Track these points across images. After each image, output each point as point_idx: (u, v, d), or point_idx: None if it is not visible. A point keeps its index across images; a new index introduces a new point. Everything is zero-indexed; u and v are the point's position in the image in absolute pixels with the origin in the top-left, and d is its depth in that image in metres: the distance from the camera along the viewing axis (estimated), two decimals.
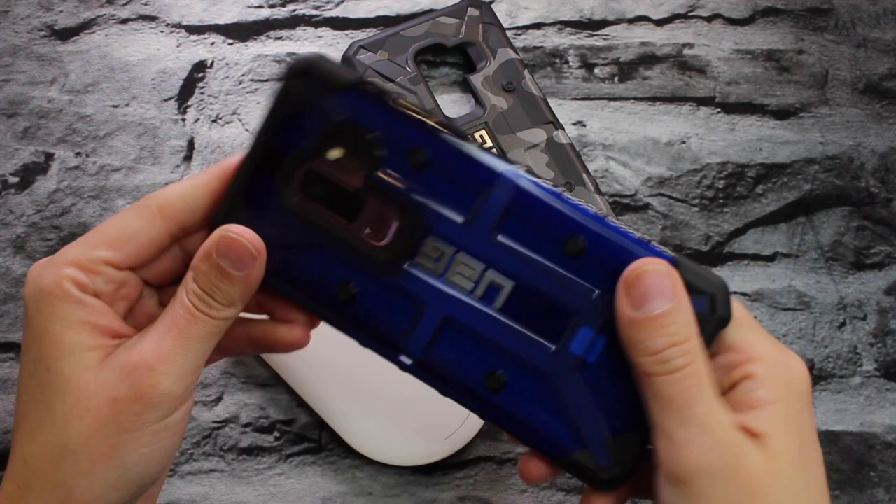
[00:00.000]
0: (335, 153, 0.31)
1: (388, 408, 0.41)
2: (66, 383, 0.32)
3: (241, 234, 0.32)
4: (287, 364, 0.43)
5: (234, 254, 0.32)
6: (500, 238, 0.31)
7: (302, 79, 0.31)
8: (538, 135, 0.48)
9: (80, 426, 0.32)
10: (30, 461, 0.33)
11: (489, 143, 0.47)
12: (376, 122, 0.31)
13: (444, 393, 0.32)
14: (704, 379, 0.30)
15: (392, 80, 0.48)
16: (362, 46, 0.49)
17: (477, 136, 0.47)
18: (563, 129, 0.48)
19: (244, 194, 0.32)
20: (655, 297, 0.30)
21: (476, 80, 0.49)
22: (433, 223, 0.31)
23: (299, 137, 0.31)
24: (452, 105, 0.50)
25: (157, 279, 0.34)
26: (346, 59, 0.49)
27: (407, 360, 0.32)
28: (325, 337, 0.43)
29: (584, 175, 0.47)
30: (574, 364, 0.31)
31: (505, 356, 0.31)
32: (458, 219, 0.31)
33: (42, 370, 0.33)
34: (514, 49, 0.50)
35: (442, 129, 0.31)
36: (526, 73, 0.49)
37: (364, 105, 0.31)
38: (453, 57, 0.51)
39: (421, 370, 0.32)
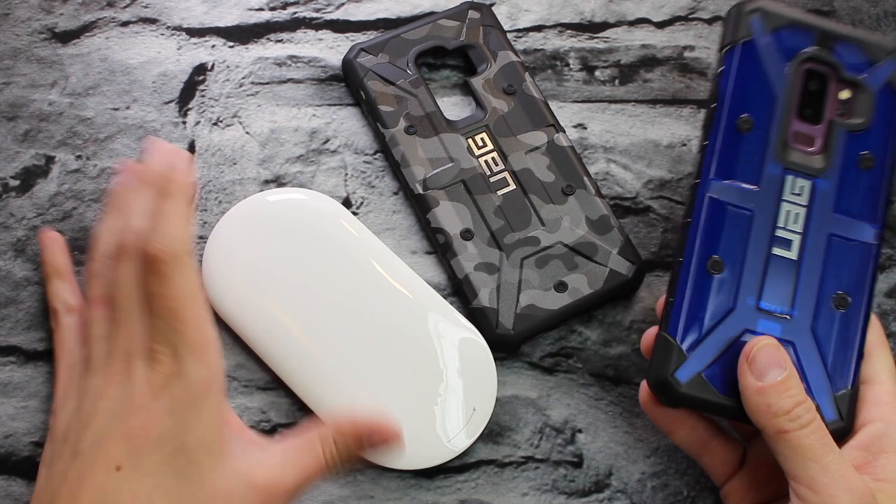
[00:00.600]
0: (845, 93, 0.40)
1: (390, 411, 0.41)
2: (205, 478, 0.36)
3: (388, 422, 0.39)
4: (288, 367, 0.43)
5: (379, 437, 0.39)
6: (827, 240, 0.39)
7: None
8: (539, 137, 0.48)
9: None
10: None
11: (490, 146, 0.47)
12: (879, 113, 0.40)
13: None
14: (826, 431, 0.35)
15: (393, 83, 0.48)
16: (363, 49, 0.49)
17: (478, 138, 0.47)
18: (564, 131, 0.48)
19: None
20: (773, 367, 0.36)
21: (477, 82, 0.49)
22: (820, 185, 0.39)
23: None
24: (453, 108, 0.50)
25: None
26: (347, 61, 0.49)
27: (707, 186, 0.39)
28: (327, 339, 0.43)
29: (585, 178, 0.47)
30: (807, 326, 0.38)
31: (737, 266, 0.38)
32: (832, 204, 0.39)
33: (182, 461, 0.35)
34: (515, 52, 0.50)
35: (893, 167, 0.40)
36: (527, 75, 0.49)
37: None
38: (454, 59, 0.51)
39: (701, 196, 0.39)
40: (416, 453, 0.42)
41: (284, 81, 0.50)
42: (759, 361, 0.36)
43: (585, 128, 0.50)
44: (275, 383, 0.44)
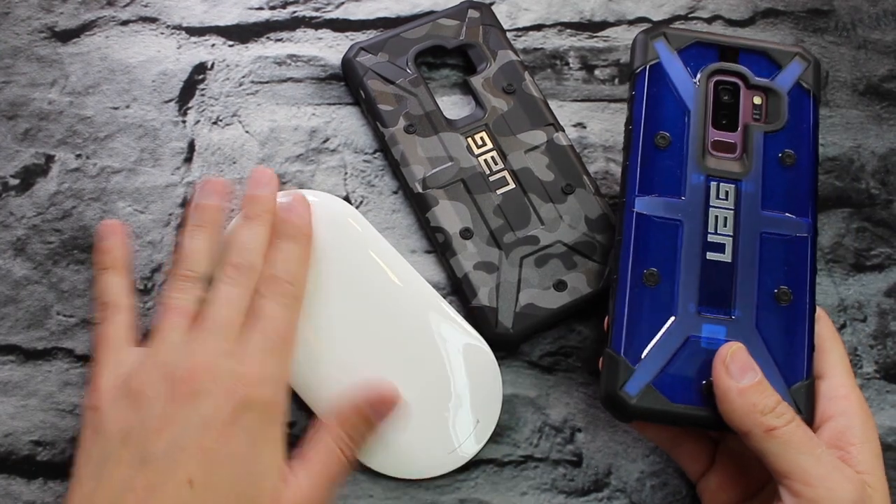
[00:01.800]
0: (756, 98, 0.42)
1: (392, 418, 0.41)
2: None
3: (383, 388, 0.40)
4: (294, 368, 0.43)
5: (382, 406, 0.40)
6: (759, 239, 0.39)
7: None
8: (538, 137, 0.48)
9: None
10: None
11: (490, 146, 0.47)
12: (792, 113, 0.42)
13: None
14: (807, 426, 0.36)
15: (392, 82, 0.48)
16: (362, 48, 0.49)
17: (477, 137, 0.47)
18: (563, 130, 0.48)
19: None
20: (748, 370, 0.36)
21: (476, 81, 0.49)
22: (744, 187, 0.40)
23: None
24: (453, 107, 0.50)
25: None
26: (346, 60, 0.49)
27: (633, 203, 0.40)
28: (335, 341, 0.43)
29: (585, 177, 0.47)
30: (752, 325, 0.38)
31: (671, 276, 0.39)
32: (759, 203, 0.40)
33: (249, 484, 0.36)
34: (515, 51, 0.50)
35: (815, 164, 0.41)
36: (526, 74, 0.49)
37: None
38: (454, 59, 0.51)
39: (629, 212, 0.40)
40: (425, 461, 0.41)
41: (284, 80, 0.50)
42: (735, 365, 0.36)
43: (585, 127, 0.50)
44: None
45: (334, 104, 0.49)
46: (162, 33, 0.50)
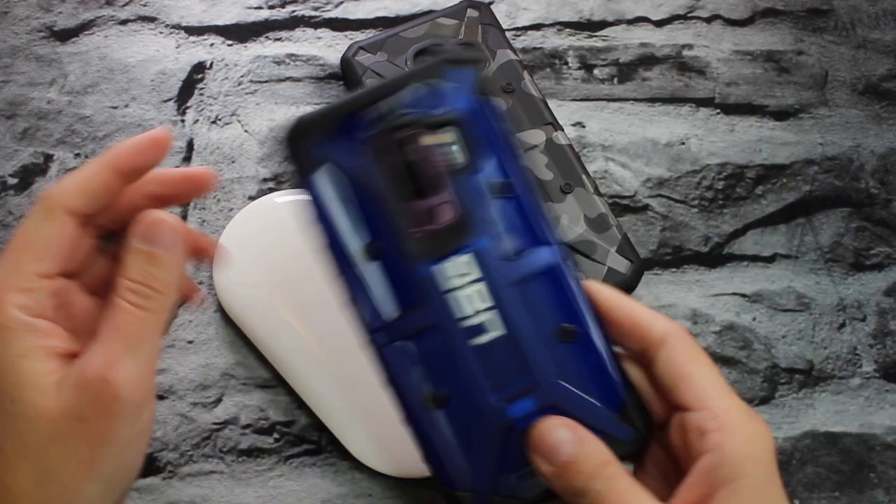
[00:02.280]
0: (443, 138, 0.33)
1: (391, 417, 0.41)
2: (34, 411, 0.33)
3: (158, 216, 0.33)
4: (293, 367, 0.43)
5: (157, 235, 0.33)
6: (518, 292, 0.33)
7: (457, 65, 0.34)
8: (537, 136, 0.48)
9: (56, 451, 0.33)
10: (13, 488, 0.33)
11: None
12: (485, 133, 0.34)
13: (387, 383, 0.34)
14: (633, 490, 0.32)
15: None
16: (361, 48, 0.49)
17: None
18: (563, 130, 0.48)
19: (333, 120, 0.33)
20: (562, 445, 0.33)
21: None
22: (478, 246, 0.33)
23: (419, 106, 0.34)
24: None
25: (99, 288, 0.34)
26: (345, 60, 0.49)
27: (379, 338, 0.34)
28: (332, 339, 0.43)
29: (584, 176, 0.47)
30: (506, 423, 0.33)
31: (453, 384, 0.33)
32: (500, 255, 0.33)
33: (7, 402, 0.33)
34: (514, 50, 0.50)
35: (530, 176, 0.34)
36: (525, 74, 0.49)
37: (484, 116, 0.34)
38: None
39: (379, 351, 0.34)
40: (415, 461, 0.41)
41: (283, 80, 0.50)
42: (544, 447, 0.33)
43: (584, 126, 0.50)
44: (273, 381, 0.44)
45: None
46: (161, 33, 0.50)
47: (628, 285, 0.45)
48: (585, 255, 0.45)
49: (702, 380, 0.34)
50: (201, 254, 0.37)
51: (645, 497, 0.32)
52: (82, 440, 0.32)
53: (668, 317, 0.34)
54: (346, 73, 0.49)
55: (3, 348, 0.33)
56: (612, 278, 0.45)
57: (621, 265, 0.45)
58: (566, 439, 0.33)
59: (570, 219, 0.46)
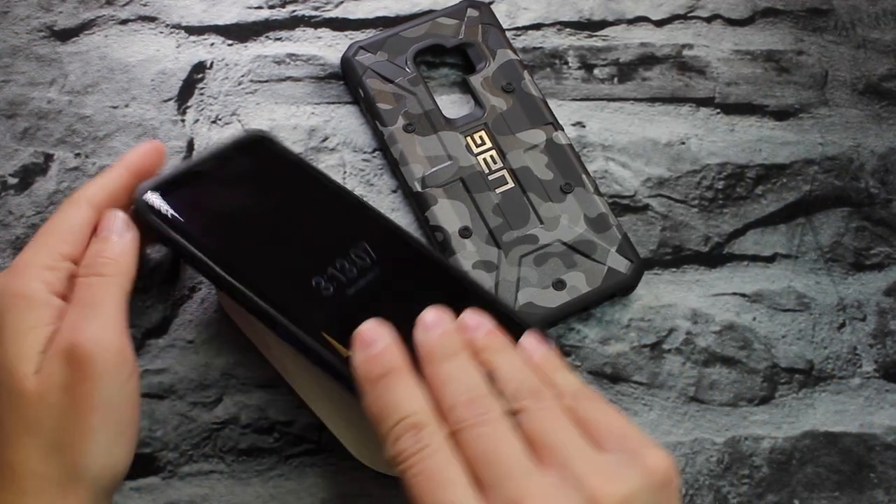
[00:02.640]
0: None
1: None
2: (24, 386, 0.35)
3: (113, 212, 0.38)
4: (294, 366, 0.43)
5: (108, 224, 0.38)
6: None
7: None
8: (537, 136, 0.48)
9: (51, 423, 0.34)
10: (17, 466, 0.34)
11: (489, 144, 0.47)
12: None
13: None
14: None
15: (391, 81, 0.48)
16: (361, 47, 0.49)
17: (476, 136, 0.47)
18: (563, 129, 0.48)
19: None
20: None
21: (475, 80, 0.49)
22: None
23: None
24: (452, 106, 0.50)
25: None
26: (345, 59, 0.49)
27: None
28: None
29: (584, 176, 0.47)
30: None
31: None
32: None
33: (6, 376, 0.35)
34: (514, 50, 0.50)
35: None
36: (525, 73, 0.49)
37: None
38: (453, 58, 0.51)
39: None
40: None
41: (283, 79, 0.50)
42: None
43: (584, 126, 0.50)
44: (273, 381, 0.44)
45: (333, 103, 0.49)
46: (161, 32, 0.50)
47: (628, 285, 0.45)
48: (585, 254, 0.45)
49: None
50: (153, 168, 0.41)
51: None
52: (72, 410, 0.34)
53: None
54: (346, 72, 0.49)
55: (17, 319, 0.35)
56: (613, 278, 0.45)
57: (621, 265, 0.45)
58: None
59: (570, 219, 0.46)
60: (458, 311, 0.36)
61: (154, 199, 0.39)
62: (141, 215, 0.39)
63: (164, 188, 0.40)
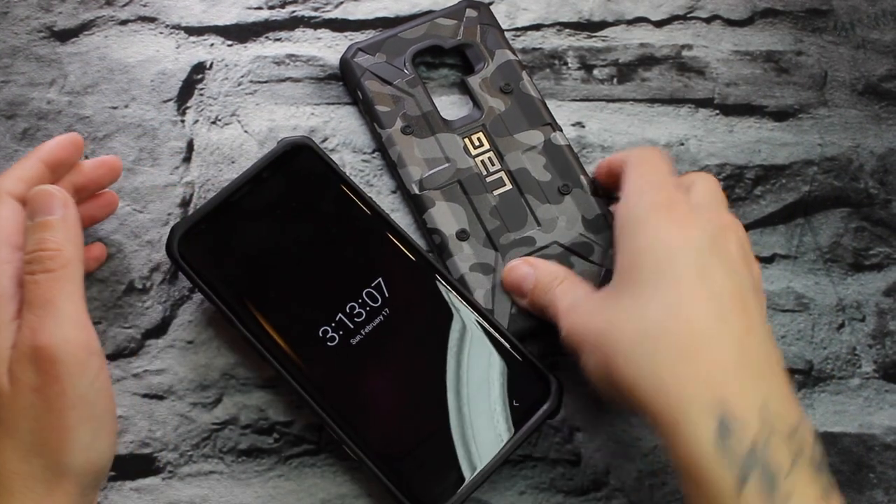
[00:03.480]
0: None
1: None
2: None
3: (40, 188, 0.37)
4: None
5: (42, 204, 0.36)
6: None
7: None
8: (535, 137, 0.48)
9: (27, 425, 0.34)
10: (1, 469, 0.34)
11: (487, 146, 0.47)
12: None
13: None
14: (571, 287, 0.42)
15: (390, 83, 0.48)
16: (360, 49, 0.48)
17: (474, 138, 0.47)
18: (561, 130, 0.48)
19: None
20: (525, 278, 0.44)
21: (474, 81, 0.49)
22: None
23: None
24: (450, 107, 0.50)
25: None
26: (344, 61, 0.49)
27: None
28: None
29: (582, 177, 0.47)
30: None
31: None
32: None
33: None
34: (513, 50, 0.50)
35: None
36: (524, 74, 0.49)
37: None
38: (451, 58, 0.51)
39: None
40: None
41: (283, 80, 0.50)
42: (513, 282, 0.44)
43: (583, 126, 0.50)
44: (273, 381, 0.44)
45: (333, 104, 0.49)
46: (161, 33, 0.50)
47: None
48: (583, 256, 0.45)
49: (629, 183, 0.41)
50: (108, 179, 0.42)
51: (570, 290, 0.41)
52: (46, 409, 0.34)
53: (638, 147, 0.43)
54: (344, 74, 0.49)
55: None
56: (610, 279, 0.45)
57: None
58: (526, 272, 0.43)
59: (567, 220, 0.46)
60: (469, 353, 0.41)
61: (184, 248, 0.41)
62: (173, 259, 0.41)
63: (194, 231, 0.42)
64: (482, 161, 0.47)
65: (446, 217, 0.45)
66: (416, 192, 0.46)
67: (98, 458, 0.35)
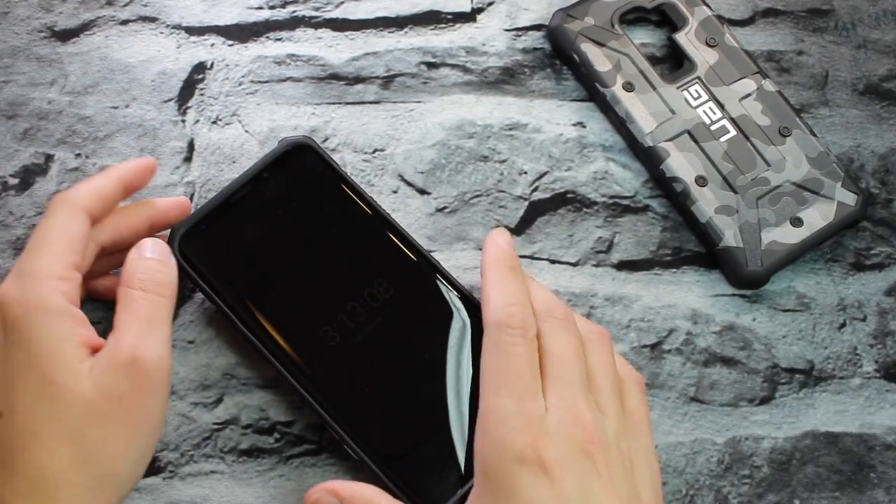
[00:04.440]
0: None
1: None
2: (71, 394, 0.34)
3: (158, 239, 0.40)
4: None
5: (160, 250, 0.39)
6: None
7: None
8: (748, 85, 0.49)
9: (94, 433, 0.35)
10: (50, 475, 0.34)
11: (706, 97, 0.49)
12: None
13: None
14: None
15: (603, 45, 0.49)
16: (568, 14, 0.50)
17: (692, 90, 0.49)
18: (770, 77, 0.50)
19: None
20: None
21: (681, 38, 0.50)
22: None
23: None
24: (660, 64, 0.51)
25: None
26: (554, 28, 0.50)
27: None
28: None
29: (798, 119, 0.49)
30: None
31: None
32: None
33: (46, 385, 0.34)
34: (709, 6, 0.51)
35: None
36: (725, 27, 0.51)
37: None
38: (654, 16, 0.52)
39: None
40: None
41: (283, 80, 0.50)
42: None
43: (584, 126, 0.50)
44: (274, 381, 0.44)
45: (334, 104, 0.49)
46: (161, 33, 0.50)
47: (857, 218, 0.47)
48: (814, 192, 0.47)
49: (483, 374, 0.37)
50: (175, 219, 0.43)
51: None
52: (119, 420, 0.35)
53: (510, 298, 0.38)
54: (556, 40, 0.50)
55: (46, 331, 0.36)
56: (843, 212, 0.47)
57: (849, 199, 0.47)
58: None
59: (793, 160, 0.48)
60: (470, 353, 0.41)
61: (185, 247, 0.41)
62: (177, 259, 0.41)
63: (195, 230, 0.42)
64: (704, 111, 0.49)
65: (683, 166, 0.47)
66: (650, 144, 0.48)
67: (140, 473, 0.37)
